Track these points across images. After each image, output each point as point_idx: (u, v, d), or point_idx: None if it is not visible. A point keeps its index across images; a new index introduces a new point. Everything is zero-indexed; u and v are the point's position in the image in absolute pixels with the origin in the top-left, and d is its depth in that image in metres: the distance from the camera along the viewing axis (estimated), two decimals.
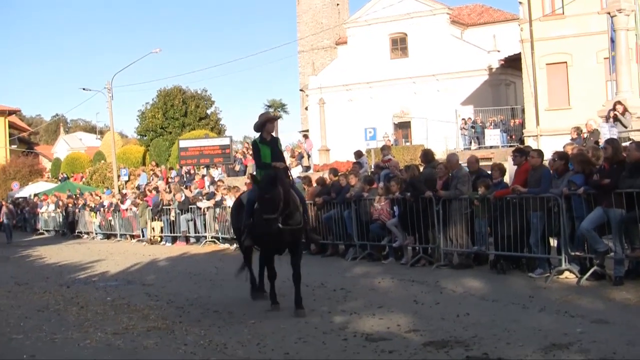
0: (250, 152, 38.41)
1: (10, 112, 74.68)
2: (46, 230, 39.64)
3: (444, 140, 42.95)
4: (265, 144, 11.63)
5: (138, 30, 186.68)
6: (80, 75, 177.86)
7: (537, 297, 11.08)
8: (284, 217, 10.75)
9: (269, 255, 11.52)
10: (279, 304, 11.17)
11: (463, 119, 43.33)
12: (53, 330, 10.47)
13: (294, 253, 11.30)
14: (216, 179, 33.22)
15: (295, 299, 10.88)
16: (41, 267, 21.35)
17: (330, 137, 45.18)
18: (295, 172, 29.01)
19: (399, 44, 52.99)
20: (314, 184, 20.65)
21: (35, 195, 46.87)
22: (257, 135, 11.90)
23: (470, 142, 42.08)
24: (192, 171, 38.95)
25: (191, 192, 27.84)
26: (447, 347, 8.22)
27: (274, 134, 12.12)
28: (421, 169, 17.48)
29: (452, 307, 10.67)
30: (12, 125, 74.80)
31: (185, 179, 36.86)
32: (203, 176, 36.21)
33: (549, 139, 33.68)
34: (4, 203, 40.13)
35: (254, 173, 12.73)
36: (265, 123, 11.74)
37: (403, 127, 52.18)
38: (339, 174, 20.49)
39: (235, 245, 22.88)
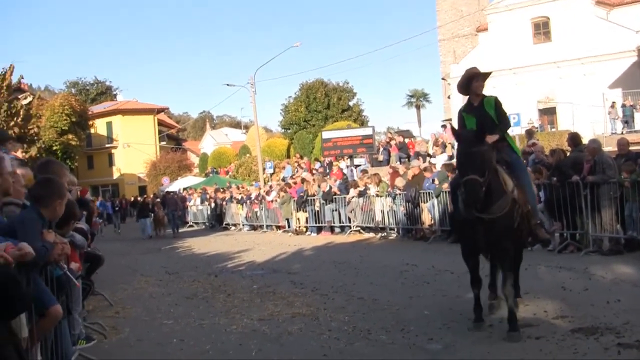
0: (394, 141, 38.57)
1: (159, 110, 77.96)
2: (195, 223, 40.80)
3: (591, 125, 41.65)
4: (471, 113, 8.78)
5: (278, 24, 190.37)
6: (225, 72, 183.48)
7: None
8: (482, 204, 8.05)
9: (470, 253, 8.91)
10: (484, 321, 8.79)
11: (612, 102, 41.93)
12: (201, 317, 10.82)
13: (496, 251, 8.78)
14: (344, 170, 33.51)
15: (508, 317, 8.23)
16: (190, 257, 22.02)
17: None
18: (440, 160, 28.79)
19: (542, 28, 51.78)
20: None
21: (184, 189, 48.34)
22: (465, 100, 9.17)
23: (622, 127, 40.65)
24: (333, 162, 39.20)
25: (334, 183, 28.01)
26: (596, 334, 7.97)
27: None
28: (567, 153, 17.05)
29: (602, 293, 10.33)
30: (161, 123, 78.11)
31: (328, 170, 37.13)
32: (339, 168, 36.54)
33: None
34: (167, 195, 40.86)
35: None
36: (470, 81, 8.87)
37: (548, 112, 51.02)
38: None
39: (380, 235, 23.01)
